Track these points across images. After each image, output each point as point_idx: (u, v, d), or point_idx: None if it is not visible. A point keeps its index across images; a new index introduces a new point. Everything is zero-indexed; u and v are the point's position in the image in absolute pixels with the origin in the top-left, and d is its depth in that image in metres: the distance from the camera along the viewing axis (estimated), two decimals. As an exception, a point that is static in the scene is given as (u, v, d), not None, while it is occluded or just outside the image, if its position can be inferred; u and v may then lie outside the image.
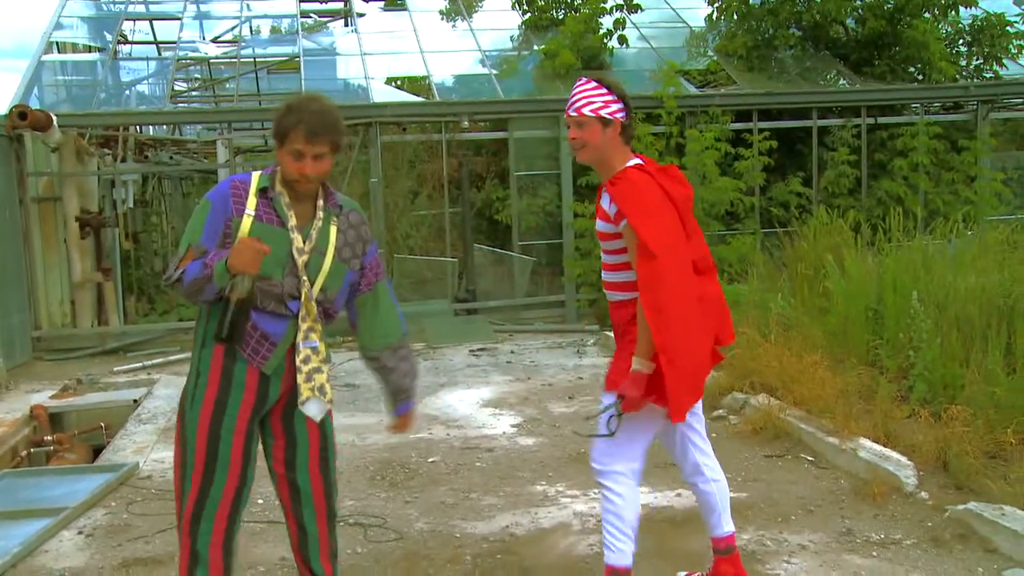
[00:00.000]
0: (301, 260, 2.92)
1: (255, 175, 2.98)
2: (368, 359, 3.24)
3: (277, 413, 3.04)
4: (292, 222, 2.93)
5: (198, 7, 15.51)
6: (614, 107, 3.28)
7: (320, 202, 3.00)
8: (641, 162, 3.35)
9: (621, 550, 3.37)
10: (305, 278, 2.92)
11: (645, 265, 3.16)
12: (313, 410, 3.01)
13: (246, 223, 2.89)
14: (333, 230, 3.00)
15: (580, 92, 3.31)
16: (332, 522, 3.19)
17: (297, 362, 2.95)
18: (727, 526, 3.58)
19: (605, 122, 3.27)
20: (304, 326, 2.94)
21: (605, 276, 3.46)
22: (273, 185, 2.96)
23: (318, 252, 2.96)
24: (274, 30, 16.27)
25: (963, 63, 13.38)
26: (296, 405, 3.01)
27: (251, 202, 2.91)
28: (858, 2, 12.92)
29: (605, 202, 3.29)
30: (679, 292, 3.18)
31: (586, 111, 3.27)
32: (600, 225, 3.36)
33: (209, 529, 2.99)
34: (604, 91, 3.29)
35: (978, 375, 5.46)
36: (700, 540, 4.21)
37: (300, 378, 2.95)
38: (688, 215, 3.39)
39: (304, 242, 2.93)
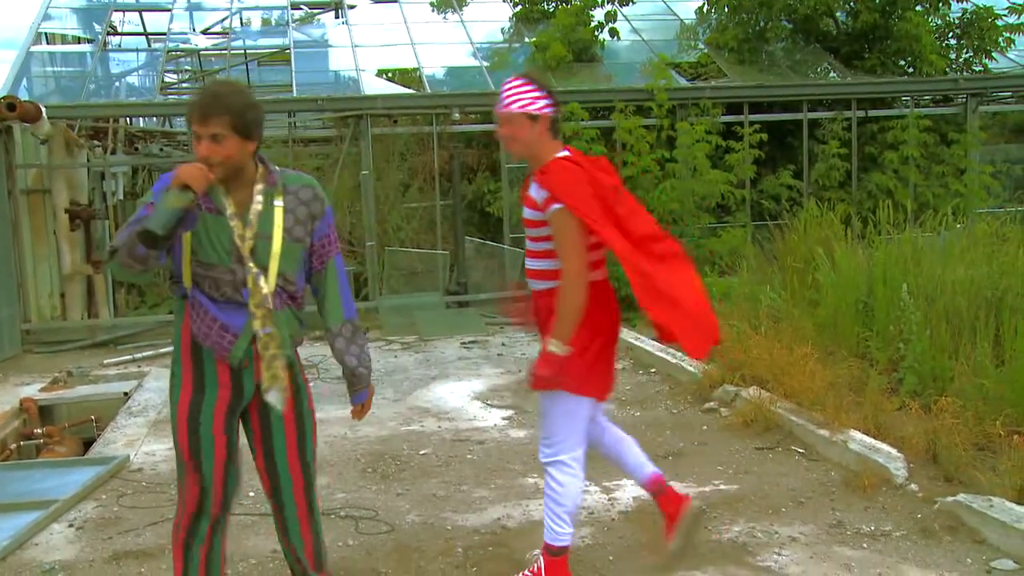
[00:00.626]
0: (245, 247, 2.88)
1: None
2: (328, 337, 3.17)
3: (254, 406, 3.03)
4: (230, 209, 2.89)
5: (188, -2, 15.46)
6: (541, 103, 3.43)
7: (259, 185, 2.93)
8: (569, 153, 3.48)
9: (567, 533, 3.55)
10: (251, 264, 2.88)
11: (610, 240, 3.35)
12: (274, 397, 2.97)
13: None
14: (278, 211, 2.94)
15: (508, 90, 3.47)
16: (313, 513, 3.17)
17: (259, 349, 2.93)
18: (649, 467, 3.82)
19: (533, 118, 3.42)
20: (259, 313, 2.90)
21: (529, 264, 3.58)
22: None
23: (263, 237, 2.91)
24: (264, 22, 16.20)
25: (952, 56, 13.41)
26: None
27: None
28: None
29: (533, 190, 3.44)
30: (637, 256, 3.39)
31: (514, 108, 3.43)
32: (528, 213, 3.48)
33: (210, 509, 3.02)
34: (531, 87, 3.45)
35: (967, 367, 5.49)
36: (707, 528, 4.23)
37: (262, 365, 2.93)
38: (622, 198, 3.51)
39: (244, 228, 2.89)
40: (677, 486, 4.82)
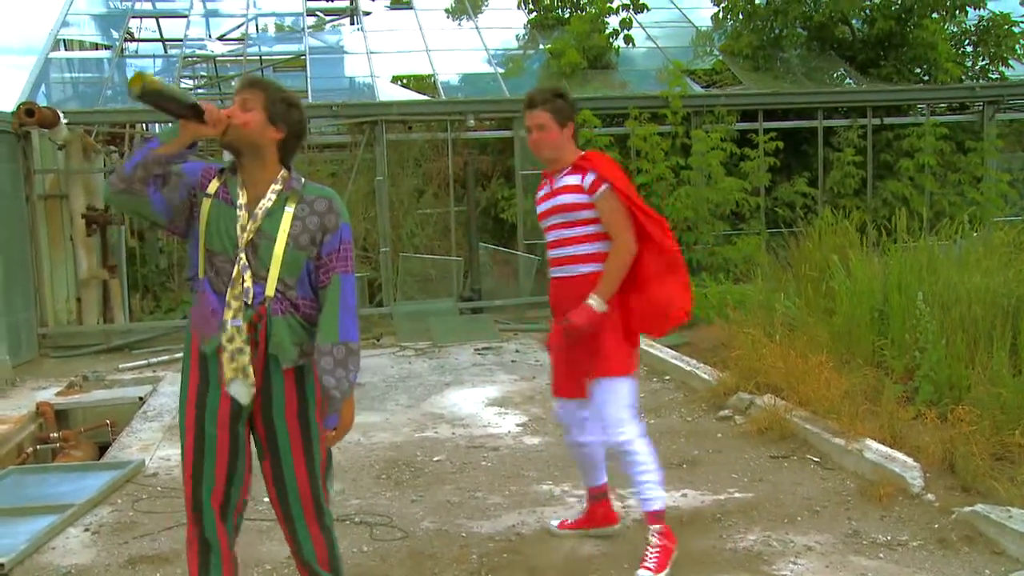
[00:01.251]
0: (243, 238, 2.90)
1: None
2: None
3: (257, 407, 3.01)
4: (241, 200, 2.94)
5: (205, 5, 15.55)
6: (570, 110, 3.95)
7: (276, 186, 2.96)
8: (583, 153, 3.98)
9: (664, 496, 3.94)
10: (243, 256, 2.89)
11: (645, 222, 3.80)
12: (236, 390, 2.91)
13: (206, 203, 2.96)
14: (287, 216, 2.94)
15: (540, 96, 3.93)
16: (322, 521, 3.12)
17: (223, 341, 2.89)
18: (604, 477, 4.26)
19: (563, 123, 3.90)
20: (235, 305, 2.89)
21: (571, 250, 3.89)
22: (233, 169, 3.01)
23: (267, 238, 2.91)
24: (280, 28, 16.28)
25: (969, 64, 13.36)
26: (272, 399, 2.97)
27: (213, 185, 2.97)
28: (868, 1, 12.88)
29: (573, 178, 3.85)
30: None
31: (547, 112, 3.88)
32: (568, 199, 3.85)
33: (213, 521, 3.01)
34: (561, 96, 3.94)
35: (984, 376, 5.45)
36: (706, 540, 4.22)
37: (224, 357, 2.90)
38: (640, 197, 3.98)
39: (249, 220, 2.91)
40: (692, 494, 4.83)
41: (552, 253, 4.00)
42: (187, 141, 2.86)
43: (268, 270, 2.92)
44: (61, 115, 10.14)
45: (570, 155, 3.92)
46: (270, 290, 2.92)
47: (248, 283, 2.90)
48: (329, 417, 3.08)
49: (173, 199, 2.93)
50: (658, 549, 3.82)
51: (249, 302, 2.91)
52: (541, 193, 4.06)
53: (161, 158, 2.85)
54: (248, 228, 2.91)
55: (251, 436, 3.07)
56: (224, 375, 2.92)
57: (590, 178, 3.81)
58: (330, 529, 3.17)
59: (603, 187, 3.79)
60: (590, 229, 3.86)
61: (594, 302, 3.73)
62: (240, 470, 3.03)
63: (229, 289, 2.90)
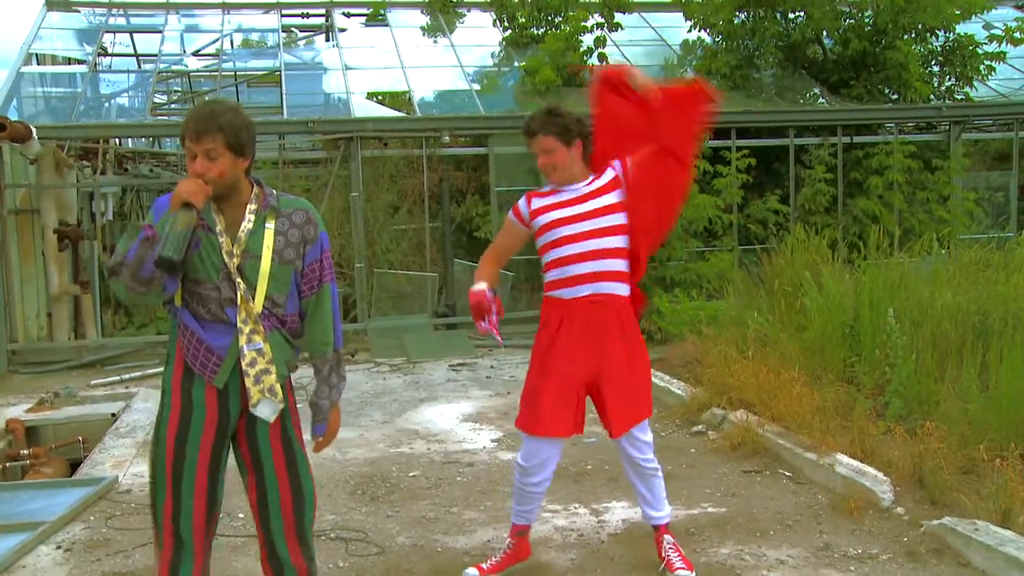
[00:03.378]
0: (232, 263, 2.90)
1: None
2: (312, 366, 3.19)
3: (241, 428, 3.02)
4: (219, 226, 2.92)
5: (180, 20, 15.51)
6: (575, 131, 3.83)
7: (252, 205, 2.96)
8: None
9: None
10: (239, 280, 2.89)
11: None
12: (265, 411, 2.95)
13: None
14: (269, 233, 2.95)
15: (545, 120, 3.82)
16: (304, 538, 3.12)
17: (243, 366, 2.90)
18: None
19: (569, 144, 3.79)
20: (246, 329, 2.90)
21: (609, 264, 3.75)
22: None
23: (252, 257, 2.92)
24: (255, 44, 16.28)
25: (935, 84, 13.59)
26: (256, 417, 2.98)
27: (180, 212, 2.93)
28: (844, 22, 13.07)
29: (608, 174, 3.82)
30: None
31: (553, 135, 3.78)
32: (609, 199, 3.76)
33: (191, 543, 3.00)
34: (563, 118, 3.81)
35: (953, 392, 5.55)
36: (695, 551, 4.25)
37: (248, 382, 2.90)
38: None
39: (233, 245, 2.91)
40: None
41: (586, 267, 3.72)
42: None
43: (256, 288, 2.92)
44: (33, 130, 10.07)
45: (580, 173, 3.85)
46: (258, 307, 2.92)
47: (252, 303, 2.90)
48: (318, 426, 3.15)
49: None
50: (680, 553, 4.01)
51: (259, 324, 2.91)
52: (549, 201, 3.84)
53: (185, 258, 2.82)
54: (235, 252, 2.91)
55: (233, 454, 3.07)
56: (250, 398, 2.92)
57: (617, 168, 3.82)
58: (311, 547, 3.16)
59: (631, 160, 3.80)
60: (623, 240, 3.76)
61: None
62: (219, 495, 3.04)
63: (237, 316, 2.90)
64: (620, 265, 3.77)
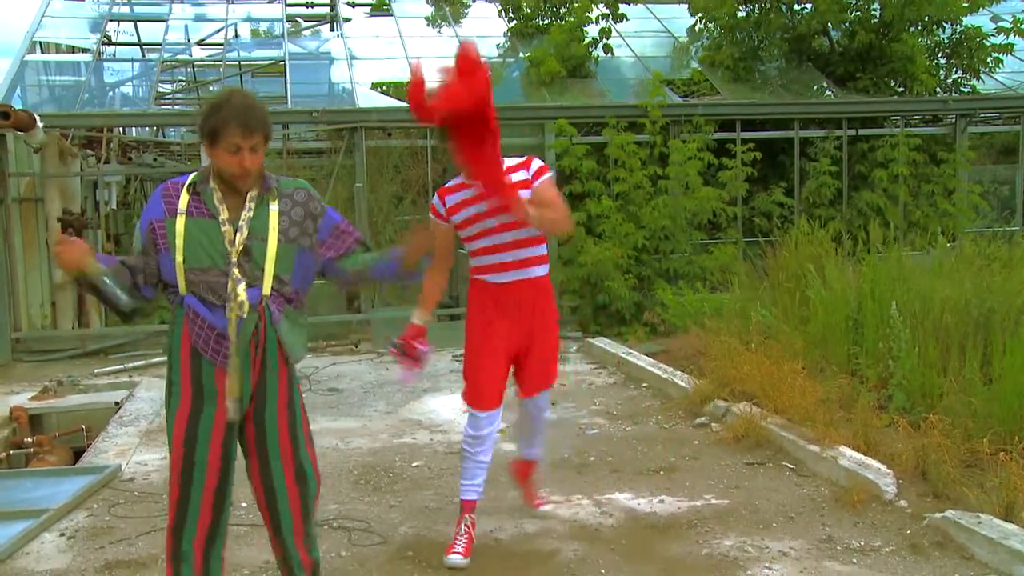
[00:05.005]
0: (233, 252, 2.93)
1: (191, 175, 3.04)
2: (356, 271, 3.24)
3: (249, 413, 3.04)
4: (223, 215, 2.95)
5: (184, 9, 15.47)
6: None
7: (252, 192, 3.00)
8: None
9: None
10: (236, 271, 2.92)
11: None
12: (232, 406, 2.99)
13: (179, 221, 2.96)
14: (273, 214, 3.00)
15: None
16: (308, 524, 3.18)
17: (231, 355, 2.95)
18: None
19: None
20: (233, 318, 2.93)
21: (525, 253, 4.02)
22: (206, 180, 2.99)
23: (259, 239, 2.96)
24: (260, 33, 16.24)
25: (942, 76, 13.53)
26: (266, 398, 3.02)
27: (183, 200, 2.97)
28: (850, 15, 13.02)
29: (519, 174, 3.97)
30: None
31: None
32: (523, 194, 3.87)
33: (192, 534, 3.02)
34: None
35: (956, 385, 5.54)
36: (682, 545, 4.26)
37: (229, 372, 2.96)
38: None
39: (235, 234, 2.94)
40: (669, 500, 4.87)
41: (502, 257, 4.04)
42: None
43: (263, 270, 2.95)
44: (37, 118, 10.06)
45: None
46: (266, 288, 2.95)
47: (243, 296, 2.92)
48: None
49: (151, 265, 3.02)
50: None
51: (244, 314, 2.93)
52: (459, 197, 4.04)
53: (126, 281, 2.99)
54: (236, 241, 2.93)
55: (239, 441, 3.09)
56: (227, 389, 2.95)
57: (533, 169, 4.00)
58: (313, 535, 3.22)
59: (548, 174, 4.04)
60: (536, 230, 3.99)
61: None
62: (230, 480, 3.05)
63: (227, 305, 2.92)
64: (537, 251, 4.06)
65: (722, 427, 6.18)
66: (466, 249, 4.13)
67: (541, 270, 4.11)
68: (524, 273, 4.05)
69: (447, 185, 4.13)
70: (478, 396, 4.15)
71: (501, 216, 3.92)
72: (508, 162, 3.99)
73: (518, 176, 3.97)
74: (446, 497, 5.08)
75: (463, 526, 4.17)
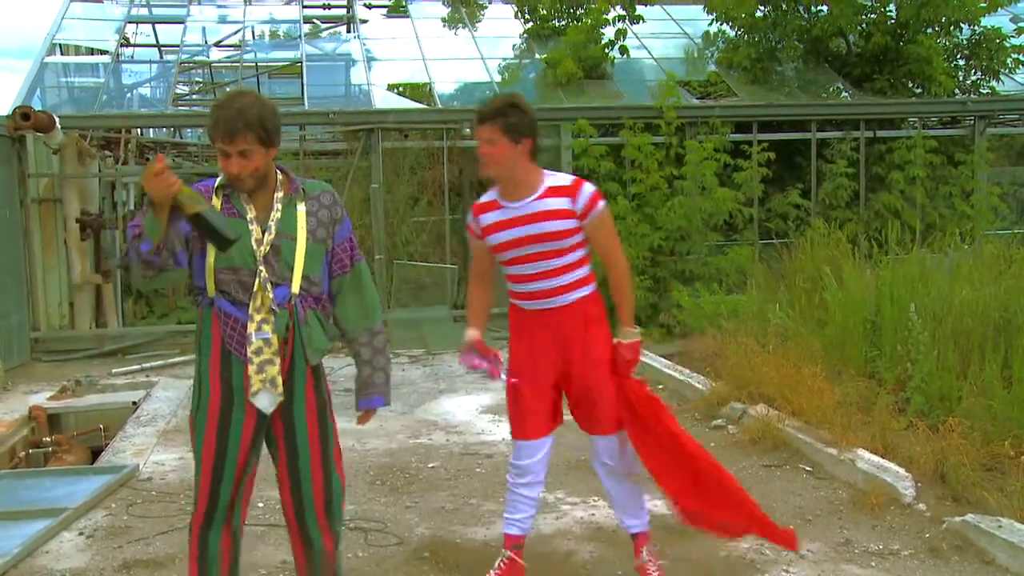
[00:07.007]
0: (260, 251, 2.93)
1: (219, 178, 3.03)
2: (348, 343, 3.23)
3: (277, 415, 3.04)
4: (251, 214, 2.96)
5: (202, 11, 15.56)
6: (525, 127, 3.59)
7: (279, 193, 3.00)
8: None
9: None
10: (262, 268, 2.92)
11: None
12: (264, 402, 2.95)
13: None
14: (301, 215, 3.00)
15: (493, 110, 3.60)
16: (333, 525, 3.18)
17: (248, 353, 2.91)
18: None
19: (516, 140, 3.55)
20: (258, 317, 2.92)
21: (561, 280, 3.64)
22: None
23: (288, 238, 2.96)
24: (277, 35, 16.31)
25: (960, 77, 13.45)
26: (294, 398, 3.02)
27: (215, 202, 2.96)
28: (865, 17, 12.96)
29: (560, 202, 3.57)
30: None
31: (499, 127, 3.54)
32: (558, 225, 3.56)
33: (219, 531, 3.05)
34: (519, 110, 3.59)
35: (975, 388, 5.50)
36: (700, 548, 4.24)
37: (251, 369, 2.91)
38: None
39: (263, 233, 2.95)
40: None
41: (533, 286, 3.66)
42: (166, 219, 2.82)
43: (292, 269, 2.97)
44: (56, 119, 10.14)
45: (524, 174, 3.62)
46: (295, 287, 2.96)
47: (270, 293, 2.93)
48: (376, 398, 3.29)
49: (179, 242, 2.92)
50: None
51: (276, 309, 2.93)
52: (493, 218, 3.69)
53: (168, 239, 2.84)
54: (264, 241, 2.94)
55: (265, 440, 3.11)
56: (251, 386, 2.93)
57: (583, 199, 3.56)
58: (338, 535, 3.22)
59: (600, 204, 3.60)
60: (579, 254, 3.65)
61: (633, 332, 3.68)
62: (250, 467, 3.07)
63: (254, 303, 2.92)
64: (577, 274, 3.67)
65: (739, 429, 6.16)
66: (501, 270, 3.79)
67: (583, 291, 3.68)
68: (562, 299, 3.66)
69: (480, 201, 3.80)
70: (518, 424, 3.87)
71: (539, 244, 3.59)
72: (551, 180, 3.63)
73: (560, 203, 3.57)
74: (462, 498, 5.08)
75: (499, 562, 3.86)
